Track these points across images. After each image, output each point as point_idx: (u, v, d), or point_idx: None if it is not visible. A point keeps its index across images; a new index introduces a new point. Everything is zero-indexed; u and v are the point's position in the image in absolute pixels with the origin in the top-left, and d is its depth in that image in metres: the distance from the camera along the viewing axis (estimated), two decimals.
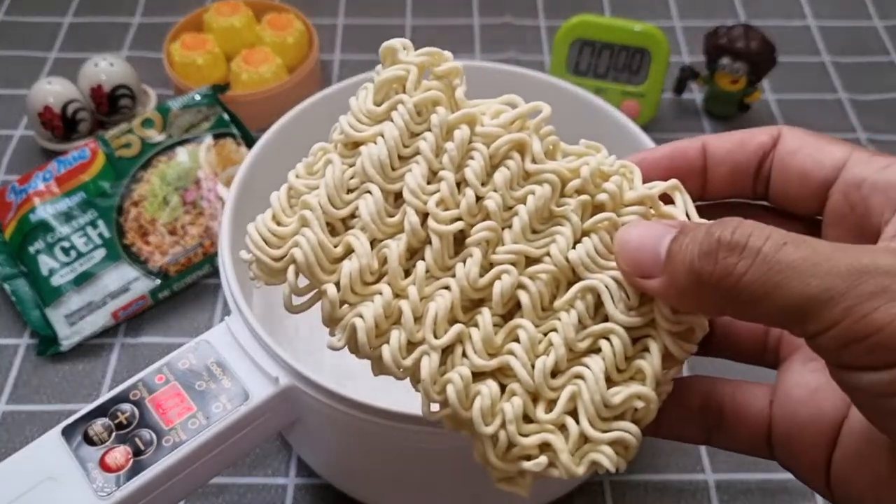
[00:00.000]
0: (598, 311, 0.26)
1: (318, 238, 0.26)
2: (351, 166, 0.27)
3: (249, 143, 0.59)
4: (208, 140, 0.58)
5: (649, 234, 0.23)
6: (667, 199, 0.27)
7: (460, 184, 0.27)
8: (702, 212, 0.26)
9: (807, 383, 0.25)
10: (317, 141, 0.47)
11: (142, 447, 0.36)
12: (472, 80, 0.51)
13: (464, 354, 0.25)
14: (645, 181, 0.27)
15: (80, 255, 0.54)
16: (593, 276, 0.25)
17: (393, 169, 0.27)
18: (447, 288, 0.26)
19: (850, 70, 0.72)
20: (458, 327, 0.25)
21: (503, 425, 0.25)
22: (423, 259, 0.26)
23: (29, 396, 0.51)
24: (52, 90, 0.62)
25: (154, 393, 0.37)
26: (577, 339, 0.25)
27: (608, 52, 0.62)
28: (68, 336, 0.53)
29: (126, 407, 0.37)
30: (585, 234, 0.26)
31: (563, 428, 0.25)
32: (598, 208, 0.26)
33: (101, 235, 0.54)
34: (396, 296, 0.26)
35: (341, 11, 0.78)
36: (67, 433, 0.36)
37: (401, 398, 0.46)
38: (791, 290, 0.19)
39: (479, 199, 0.26)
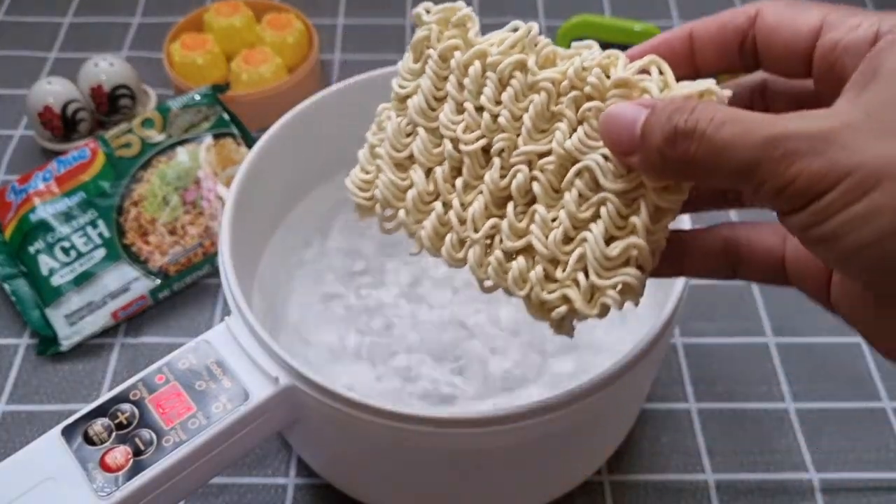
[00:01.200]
0: (598, 186, 0.30)
1: (388, 178, 0.34)
2: (405, 117, 0.34)
3: (249, 142, 0.59)
4: (208, 140, 0.58)
5: (625, 117, 0.27)
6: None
7: (481, 109, 0.32)
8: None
9: None
10: (316, 140, 0.47)
11: (142, 447, 0.36)
12: None
13: (500, 241, 0.32)
14: None
15: (79, 254, 0.54)
16: (587, 158, 0.30)
17: (433, 110, 0.34)
18: (482, 192, 0.33)
19: None
20: (491, 221, 0.32)
21: (532, 288, 0.31)
22: (462, 175, 0.33)
23: (29, 396, 0.51)
24: (52, 90, 0.62)
25: (154, 393, 0.37)
26: (579, 211, 0.30)
27: None
28: (68, 336, 0.53)
29: (126, 407, 0.37)
30: (581, 122, 0.31)
31: (577, 282, 0.31)
32: (590, 99, 0.30)
33: (100, 235, 0.54)
34: (448, 207, 0.33)
35: (341, 11, 0.78)
36: (67, 433, 0.36)
37: (401, 398, 0.46)
38: (729, 163, 0.24)
39: (495, 117, 0.32)
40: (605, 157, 0.29)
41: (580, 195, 0.30)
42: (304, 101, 0.49)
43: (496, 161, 0.32)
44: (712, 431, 0.50)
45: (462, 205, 0.33)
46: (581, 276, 0.30)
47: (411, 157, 0.34)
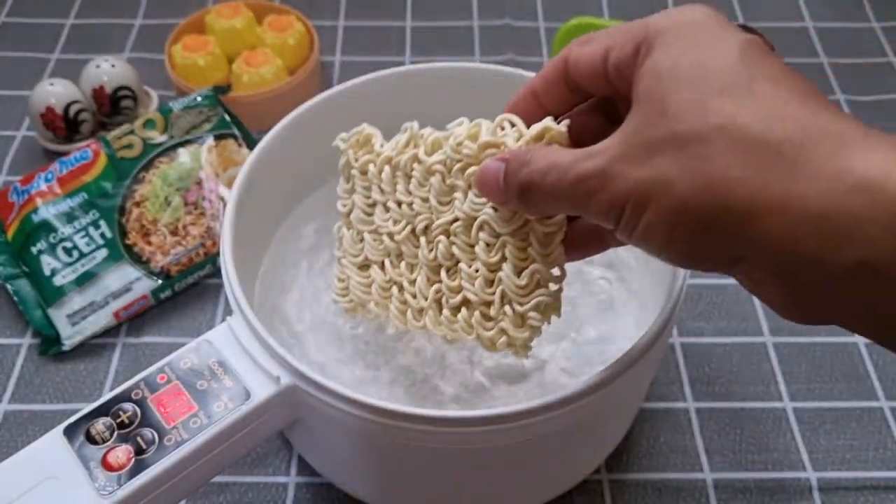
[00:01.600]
0: (497, 233, 0.36)
1: (356, 281, 0.42)
2: (353, 229, 0.42)
3: (251, 144, 0.60)
4: (210, 141, 0.59)
5: (489, 173, 0.33)
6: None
7: (400, 203, 0.40)
8: None
9: None
10: (317, 141, 0.48)
11: (143, 446, 0.36)
12: (472, 82, 0.51)
13: (446, 301, 0.39)
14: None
15: (81, 255, 0.54)
16: (482, 213, 0.36)
17: (369, 216, 0.41)
18: (422, 268, 0.39)
19: (847, 71, 0.73)
20: (434, 287, 0.39)
21: (476, 330, 0.38)
22: (404, 258, 0.40)
23: (31, 396, 0.52)
24: (54, 91, 0.62)
25: (156, 392, 0.38)
26: (489, 257, 0.36)
27: None
28: (70, 336, 0.53)
29: (128, 406, 0.37)
30: (469, 187, 0.36)
31: (507, 315, 0.36)
32: (470, 166, 0.36)
33: (102, 236, 0.55)
34: (401, 288, 0.41)
35: (342, 13, 0.78)
36: (69, 432, 0.36)
37: (401, 398, 0.46)
38: (559, 202, 0.30)
39: (410, 205, 0.39)
40: (494, 209, 0.35)
41: (486, 244, 0.36)
42: (305, 103, 0.49)
43: (422, 239, 0.39)
44: (710, 431, 0.50)
45: (410, 282, 0.40)
46: (508, 309, 0.36)
47: (366, 258, 0.42)
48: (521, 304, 0.36)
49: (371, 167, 0.41)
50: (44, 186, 0.56)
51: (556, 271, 0.36)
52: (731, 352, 0.54)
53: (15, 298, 0.54)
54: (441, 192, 0.38)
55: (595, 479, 0.48)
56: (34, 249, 0.54)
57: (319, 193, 0.53)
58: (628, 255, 0.51)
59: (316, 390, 0.37)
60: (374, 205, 0.41)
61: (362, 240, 0.42)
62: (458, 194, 0.37)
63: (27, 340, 0.54)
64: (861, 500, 0.47)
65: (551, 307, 0.36)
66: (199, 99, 0.60)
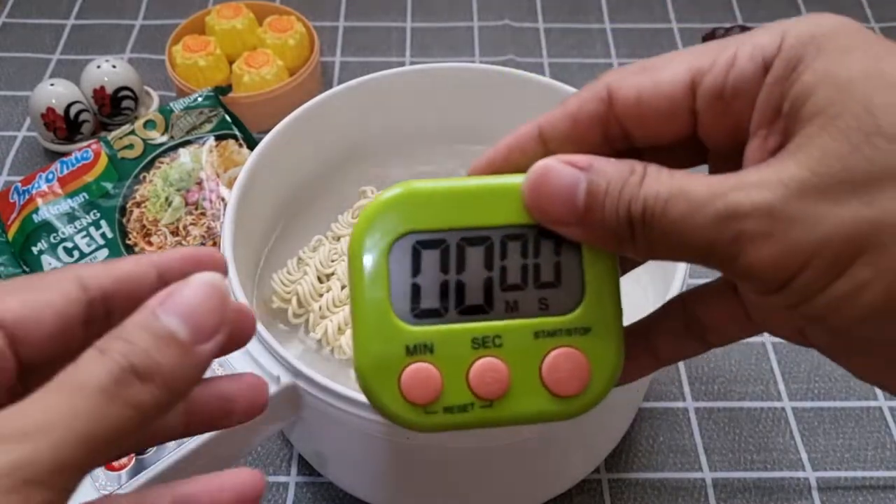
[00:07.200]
0: None
1: (310, 280, 0.48)
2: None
3: (251, 144, 0.60)
4: (210, 141, 0.59)
5: (560, 181, 0.23)
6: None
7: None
8: None
9: None
10: (317, 141, 0.47)
11: None
12: (472, 82, 0.51)
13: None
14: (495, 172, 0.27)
15: (82, 255, 0.54)
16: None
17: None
18: None
19: None
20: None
21: None
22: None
23: None
24: (55, 92, 0.62)
25: None
26: None
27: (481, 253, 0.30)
28: None
29: None
30: None
31: None
32: None
33: (103, 236, 0.55)
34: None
35: (342, 14, 0.78)
36: None
37: None
38: (684, 247, 0.21)
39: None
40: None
41: None
42: (306, 104, 0.49)
43: None
44: (709, 430, 0.50)
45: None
46: None
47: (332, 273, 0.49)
48: None
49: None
50: (45, 187, 0.56)
51: None
52: (730, 351, 0.54)
53: None
54: None
55: (594, 478, 0.48)
56: (35, 249, 0.54)
57: (319, 193, 0.53)
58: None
59: (316, 390, 0.37)
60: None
61: (333, 261, 0.46)
62: None
63: None
64: (860, 499, 0.47)
65: None
66: (199, 99, 0.60)
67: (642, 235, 0.22)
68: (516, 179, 0.25)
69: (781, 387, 0.52)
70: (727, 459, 0.49)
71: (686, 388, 0.52)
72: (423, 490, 0.44)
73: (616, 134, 0.24)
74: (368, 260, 0.24)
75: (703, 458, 0.49)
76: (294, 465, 0.49)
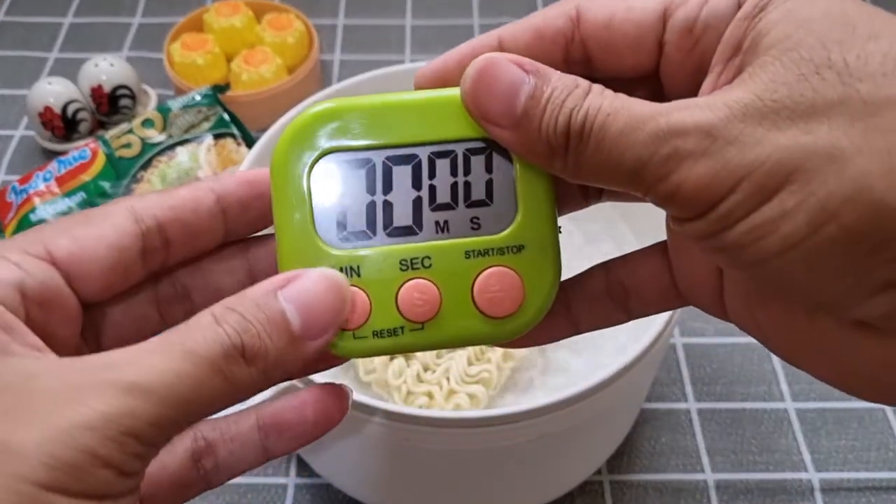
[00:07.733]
0: None
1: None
2: None
3: (249, 143, 0.59)
4: (208, 140, 0.59)
5: (503, 80, 0.22)
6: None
7: None
8: None
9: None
10: None
11: None
12: None
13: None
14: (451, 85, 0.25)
15: None
16: None
17: None
18: None
19: None
20: None
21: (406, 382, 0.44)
22: None
23: None
24: (52, 90, 0.62)
25: None
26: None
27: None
28: None
29: None
30: None
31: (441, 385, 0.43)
32: None
33: None
34: None
35: (341, 12, 0.78)
36: None
37: (400, 397, 0.46)
38: (618, 165, 0.20)
39: None
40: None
41: None
42: (304, 102, 0.49)
43: None
44: (711, 431, 0.50)
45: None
46: (443, 381, 0.44)
47: None
48: (458, 385, 0.42)
49: None
50: (42, 186, 0.56)
51: None
52: (732, 352, 0.53)
53: None
54: None
55: (596, 479, 0.48)
56: None
57: None
58: None
59: None
60: None
61: None
62: None
63: None
64: (863, 500, 0.47)
65: (477, 398, 0.37)
66: (197, 98, 0.60)
67: (575, 150, 0.21)
68: (451, 92, 0.24)
69: (784, 388, 0.52)
70: (730, 461, 0.49)
71: (688, 389, 0.52)
72: (422, 493, 0.44)
73: (577, 57, 0.24)
74: (291, 179, 0.23)
75: (705, 460, 0.49)
76: (293, 467, 0.48)
